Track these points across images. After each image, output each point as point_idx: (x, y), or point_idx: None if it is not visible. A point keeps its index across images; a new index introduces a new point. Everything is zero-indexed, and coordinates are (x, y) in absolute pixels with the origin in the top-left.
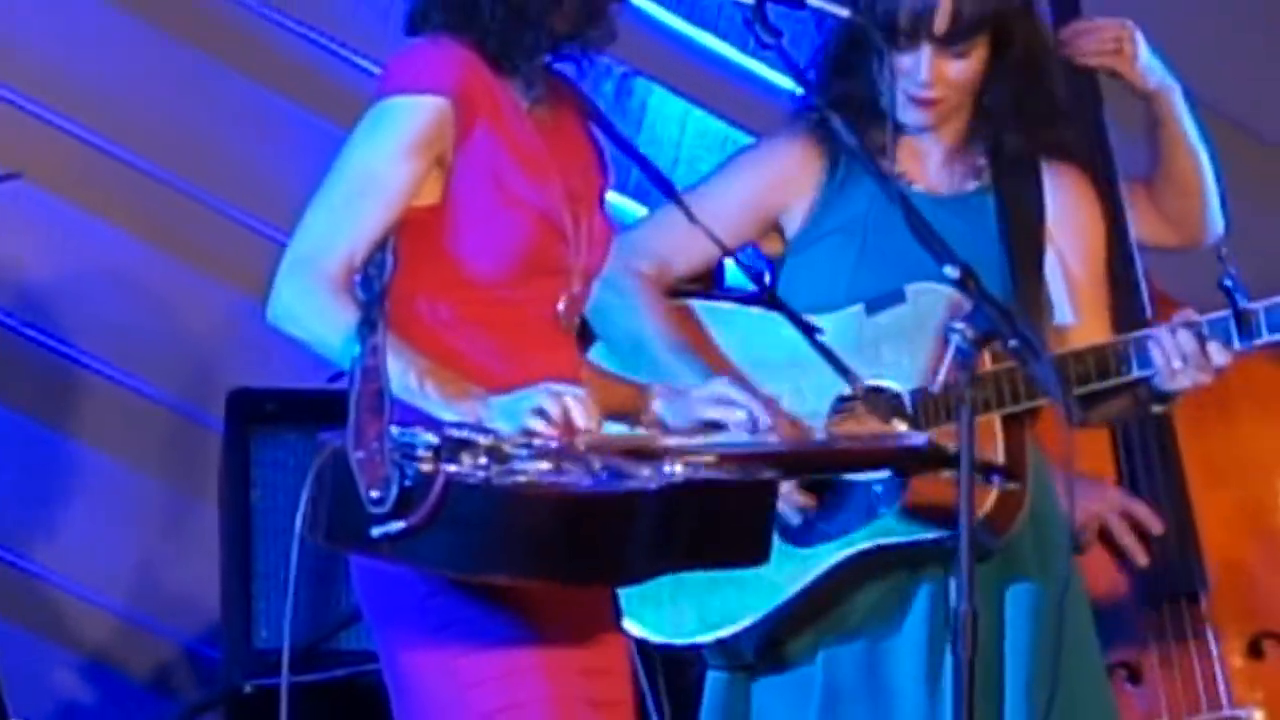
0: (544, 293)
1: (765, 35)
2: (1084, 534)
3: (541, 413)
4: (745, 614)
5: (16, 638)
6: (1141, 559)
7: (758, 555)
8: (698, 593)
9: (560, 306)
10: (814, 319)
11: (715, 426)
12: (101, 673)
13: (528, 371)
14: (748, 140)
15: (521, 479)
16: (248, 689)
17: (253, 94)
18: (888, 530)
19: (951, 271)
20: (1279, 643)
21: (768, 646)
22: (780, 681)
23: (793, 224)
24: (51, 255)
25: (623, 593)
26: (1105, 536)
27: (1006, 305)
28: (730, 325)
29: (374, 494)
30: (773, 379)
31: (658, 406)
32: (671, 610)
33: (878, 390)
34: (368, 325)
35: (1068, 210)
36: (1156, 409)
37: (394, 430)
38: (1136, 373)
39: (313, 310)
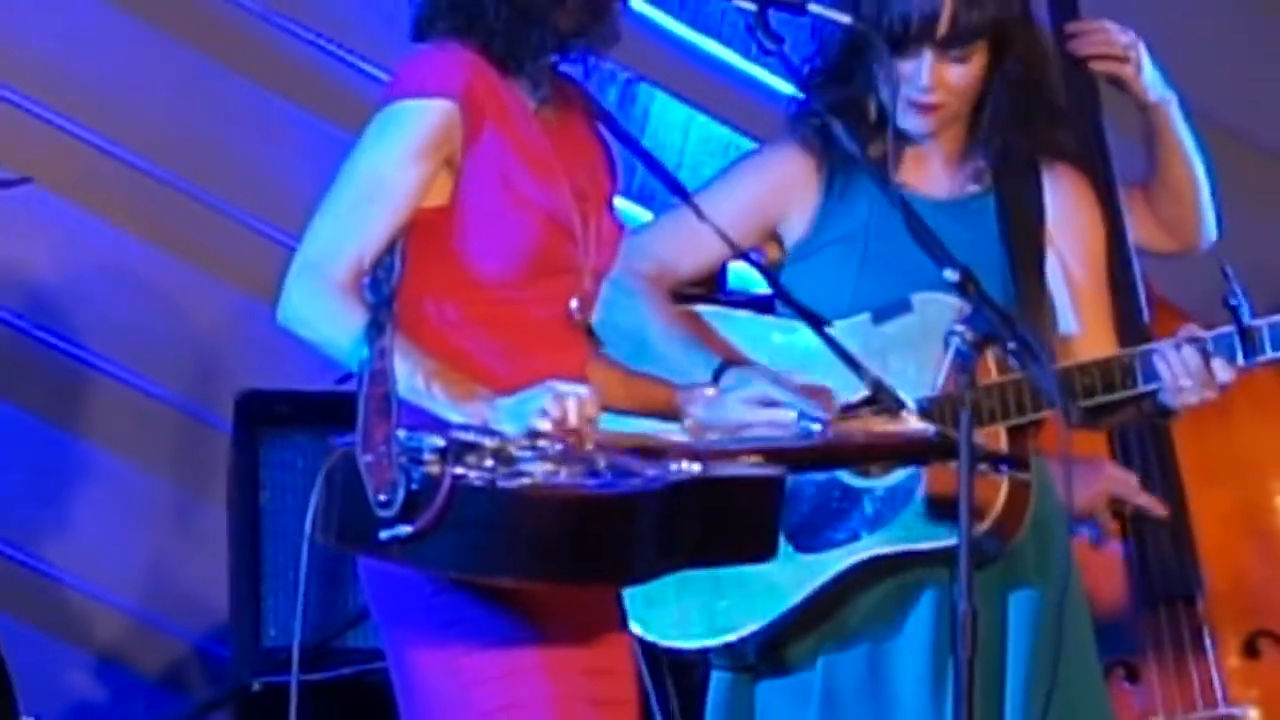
0: (553, 292)
1: (768, 41)
2: (1099, 516)
3: (547, 414)
4: (751, 619)
5: (27, 636)
6: (1160, 509)
7: (764, 552)
8: (704, 597)
9: (573, 305)
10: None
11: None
12: (112, 671)
13: (533, 373)
14: (750, 144)
15: (526, 481)
16: (256, 687)
17: (258, 97)
18: (899, 535)
19: (951, 275)
20: (1274, 642)
21: (769, 649)
22: (781, 684)
23: (792, 232)
24: (61, 258)
25: (629, 596)
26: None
27: (1006, 309)
28: (733, 330)
29: (381, 497)
30: None
31: (699, 411)
32: (678, 614)
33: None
34: (376, 327)
35: (1068, 212)
36: (1159, 421)
37: (401, 434)
38: (1141, 387)
39: (321, 313)
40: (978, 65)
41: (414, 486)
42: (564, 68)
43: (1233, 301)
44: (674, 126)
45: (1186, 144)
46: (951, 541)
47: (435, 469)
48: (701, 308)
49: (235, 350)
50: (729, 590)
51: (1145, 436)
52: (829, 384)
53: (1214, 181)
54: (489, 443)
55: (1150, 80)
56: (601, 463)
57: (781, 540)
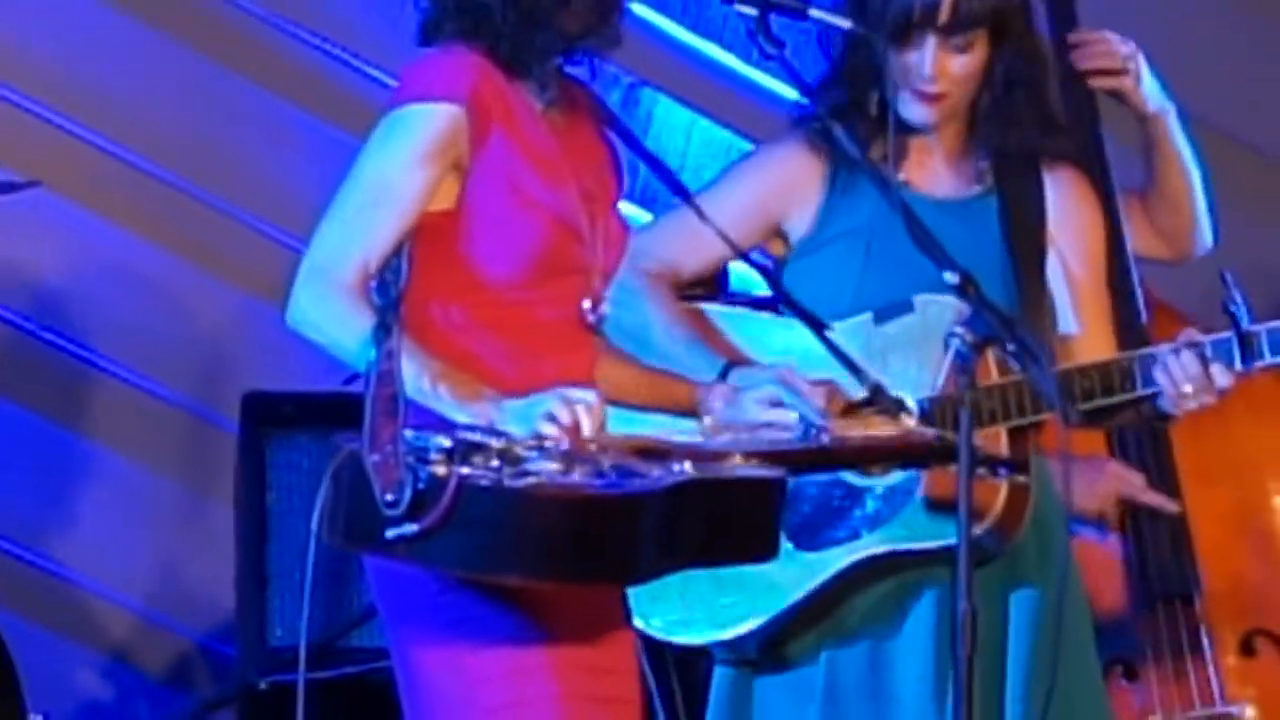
0: (561, 294)
1: (769, 46)
2: (1107, 516)
3: (553, 418)
4: (753, 616)
5: (35, 635)
6: (1172, 507)
7: (766, 552)
8: (707, 593)
9: (586, 305)
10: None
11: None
12: (118, 669)
13: (538, 376)
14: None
15: (532, 481)
16: (262, 686)
17: (263, 101)
18: (899, 534)
19: (951, 277)
20: (1271, 640)
21: (771, 645)
22: (782, 680)
23: (796, 229)
24: (68, 260)
25: (634, 593)
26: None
27: (1005, 311)
28: (736, 328)
29: (388, 497)
30: None
31: (720, 408)
32: (682, 611)
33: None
34: (383, 330)
35: (1068, 213)
36: (1158, 424)
37: (408, 434)
38: (1140, 391)
39: (329, 315)
40: (979, 56)
41: (421, 486)
42: (570, 70)
43: (1231, 307)
44: (676, 129)
45: (1184, 154)
46: (952, 540)
47: (442, 469)
48: (705, 306)
49: (241, 351)
50: (731, 587)
51: (1144, 438)
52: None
53: (1210, 186)
54: (495, 443)
55: (1149, 91)
56: (606, 463)
57: (783, 538)
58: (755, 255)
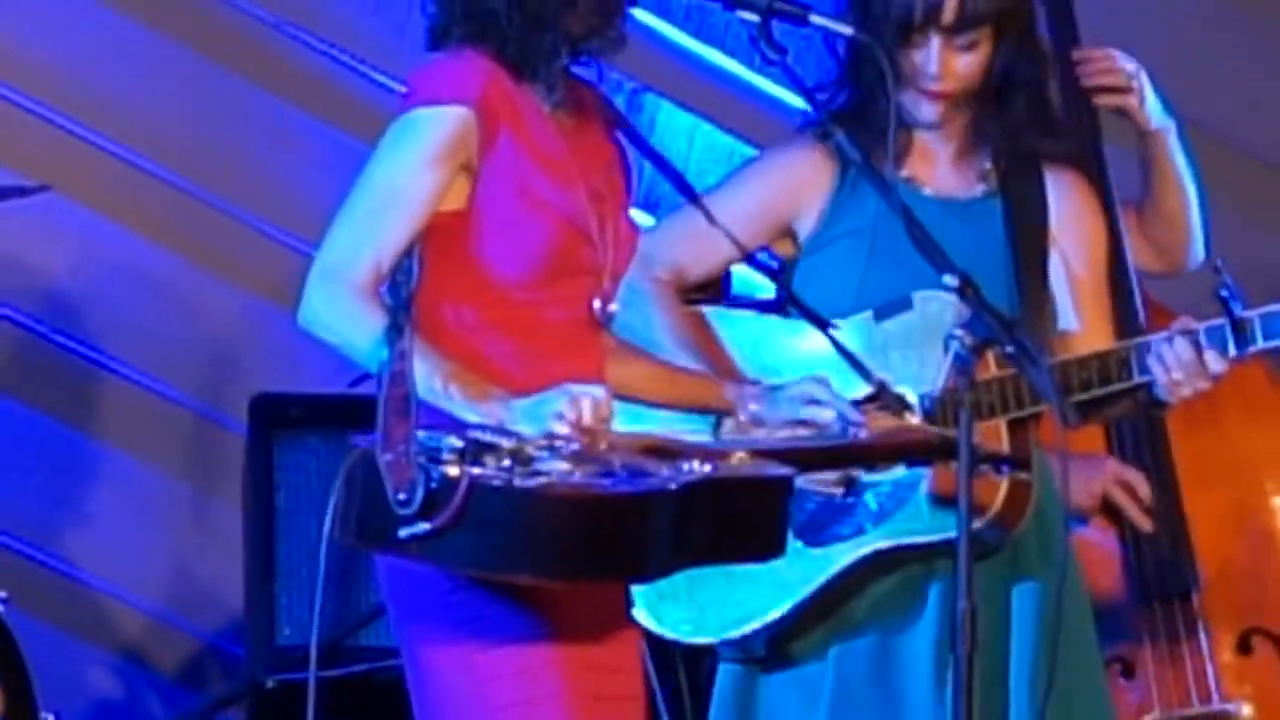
0: (571, 294)
1: (770, 52)
2: (1086, 507)
3: (563, 417)
4: (762, 612)
5: (46, 635)
6: (1147, 525)
7: (773, 550)
8: (715, 592)
9: (596, 305)
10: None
11: (805, 424)
12: (128, 668)
13: (548, 376)
14: (754, 152)
15: (543, 480)
16: (270, 684)
17: (271, 106)
18: (904, 529)
19: (950, 280)
20: (1268, 639)
21: (778, 643)
22: (790, 677)
23: (804, 228)
24: (78, 263)
25: (643, 592)
26: (1106, 509)
27: (1004, 313)
28: (742, 332)
29: (401, 496)
30: None
31: (754, 406)
32: (690, 608)
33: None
34: (395, 330)
35: (1070, 215)
36: (1155, 412)
37: (420, 434)
38: (1137, 378)
39: (341, 316)
40: (983, 54)
41: (433, 485)
42: (580, 72)
43: (1224, 293)
44: (679, 134)
45: (1182, 171)
46: (955, 534)
47: (454, 469)
48: (710, 309)
49: (249, 353)
50: (740, 585)
51: (1141, 438)
52: (838, 377)
53: (1206, 200)
54: (506, 443)
55: (1152, 109)
56: (616, 463)
57: (790, 535)
58: (761, 257)
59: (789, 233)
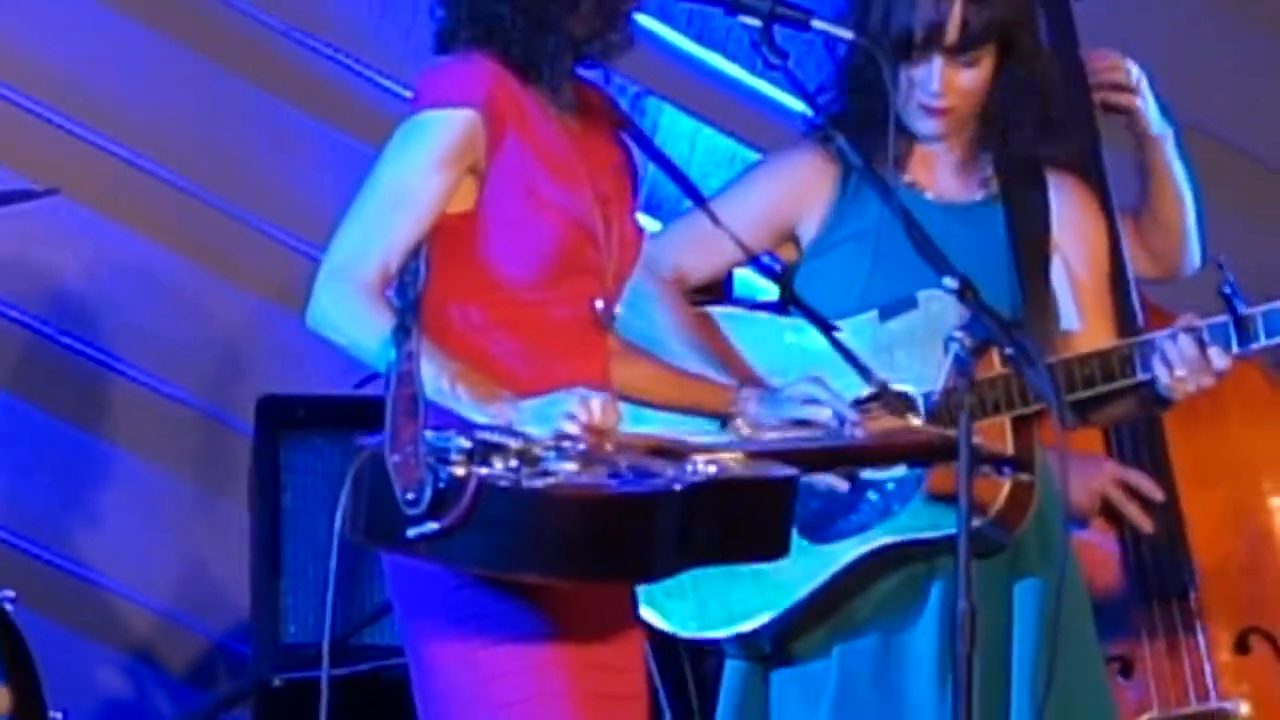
0: (577, 293)
1: (772, 56)
2: (1085, 507)
3: (573, 417)
4: (767, 608)
5: (54, 634)
6: (1147, 526)
7: (778, 550)
8: (720, 588)
9: (599, 305)
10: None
11: (805, 424)
12: (136, 667)
13: (553, 376)
14: (755, 156)
15: (550, 481)
16: (276, 683)
17: (279, 110)
18: (907, 525)
19: (950, 282)
20: (1265, 638)
21: (783, 640)
22: (794, 674)
23: (807, 233)
24: (87, 266)
25: (649, 589)
26: (1105, 510)
27: (1003, 314)
28: (745, 332)
29: (409, 496)
30: None
31: (753, 408)
32: (695, 604)
33: (894, 390)
34: (402, 331)
35: (1071, 218)
36: (1157, 410)
37: (428, 434)
38: (1140, 376)
39: (349, 316)
40: (986, 68)
41: (441, 485)
42: (587, 76)
43: (1227, 290)
44: (681, 138)
45: (1179, 177)
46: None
47: (462, 469)
48: (715, 309)
49: (256, 355)
50: (745, 582)
51: (1140, 438)
52: (839, 385)
53: (1199, 199)
54: (514, 444)
55: (1152, 114)
56: (623, 464)
57: (794, 532)
58: (763, 259)
59: (791, 237)
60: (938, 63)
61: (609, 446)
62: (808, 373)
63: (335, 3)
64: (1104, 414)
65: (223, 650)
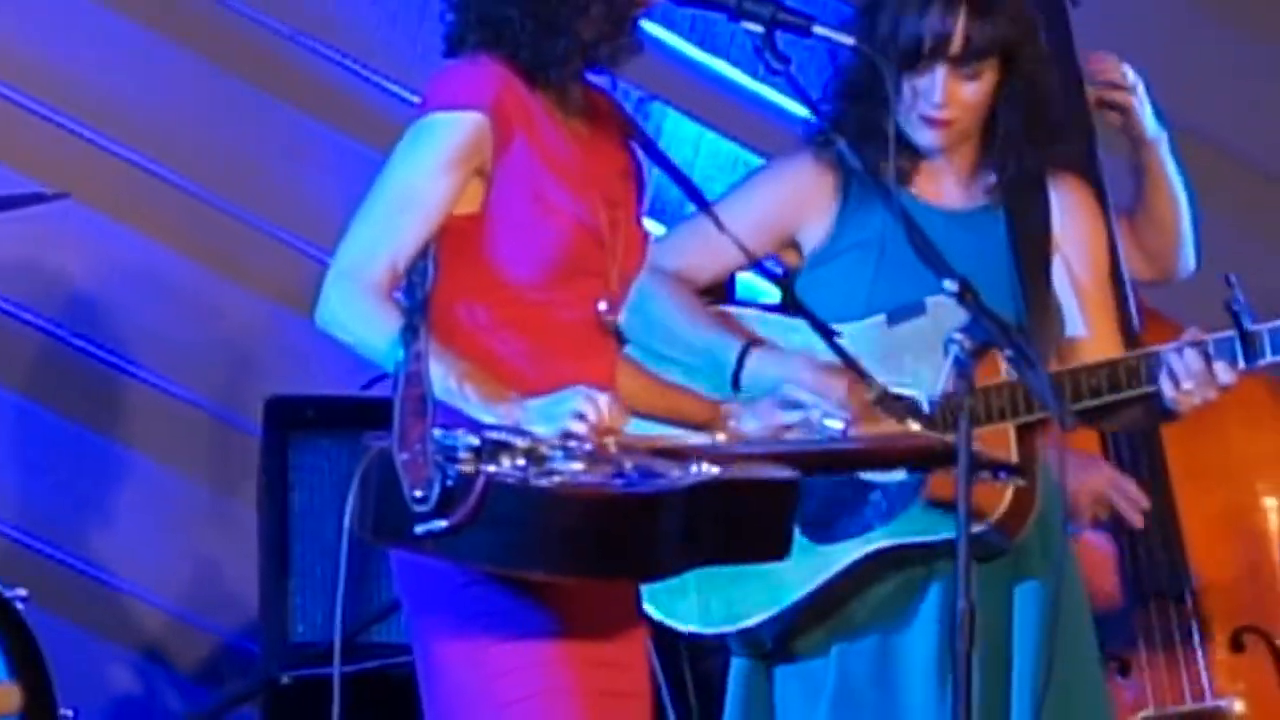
0: (582, 295)
1: (774, 62)
2: (1097, 509)
3: (581, 416)
4: (767, 607)
5: (65, 632)
6: (1138, 521)
7: (779, 551)
8: (723, 585)
9: (602, 307)
10: (836, 328)
11: (790, 428)
12: (147, 665)
13: (559, 376)
14: (758, 160)
15: (557, 480)
16: (285, 680)
17: (288, 117)
18: (907, 528)
19: (950, 285)
20: (1260, 637)
21: (782, 638)
22: (794, 672)
23: (810, 240)
24: (98, 269)
25: (652, 586)
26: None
27: (1004, 317)
28: (756, 328)
29: (417, 494)
30: None
31: (735, 421)
32: (698, 602)
33: (894, 395)
34: (411, 330)
35: (1071, 219)
36: (1163, 420)
37: (436, 432)
38: (1146, 388)
39: (358, 316)
40: (989, 81)
41: (449, 483)
42: (593, 80)
43: (1235, 307)
44: (685, 142)
45: (1174, 180)
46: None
47: (470, 467)
48: (725, 308)
49: (264, 357)
50: (747, 580)
51: (1136, 441)
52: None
53: (1193, 201)
54: (521, 443)
55: (1148, 119)
56: (628, 464)
57: (796, 532)
58: (766, 263)
59: (793, 242)
60: (941, 73)
61: (614, 446)
62: (793, 364)
63: (343, 8)
64: (1109, 422)
65: (232, 649)
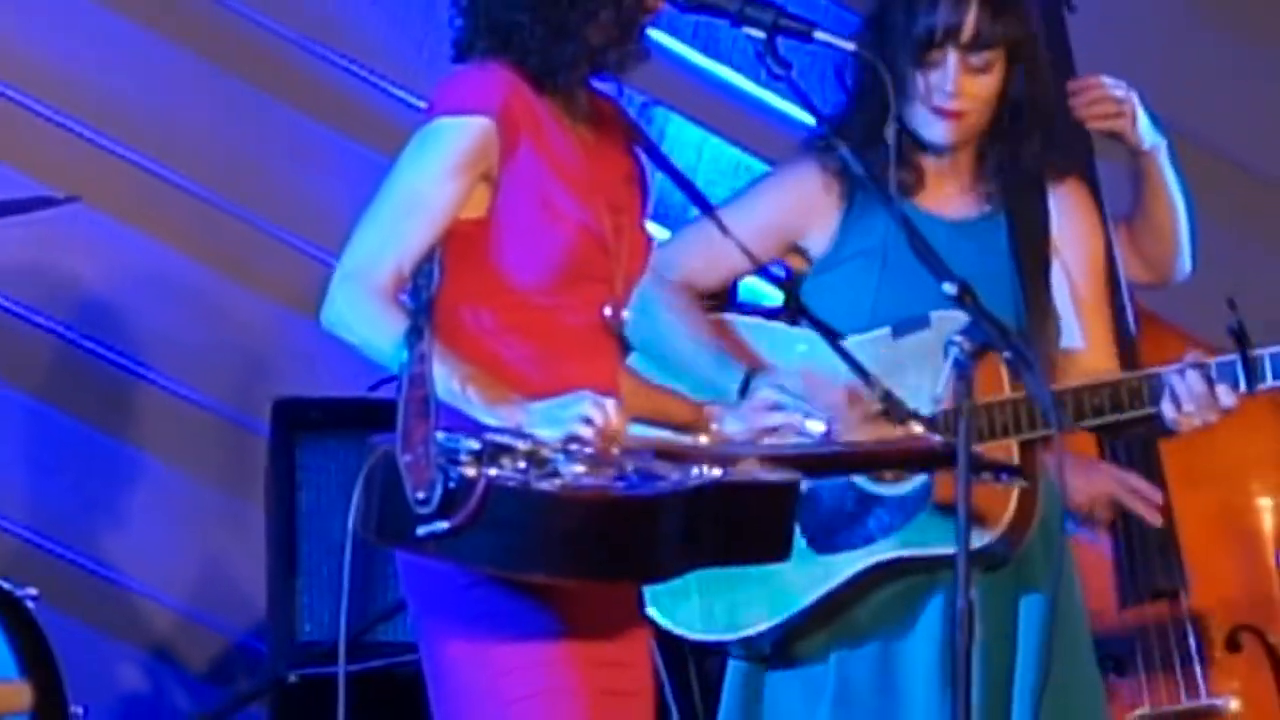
0: (586, 300)
1: (776, 67)
2: (1098, 511)
3: (588, 421)
4: (769, 615)
5: (76, 631)
6: (1157, 519)
7: (780, 553)
8: (725, 593)
9: (608, 311)
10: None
11: (774, 431)
12: (158, 664)
13: (564, 379)
14: (760, 165)
15: (558, 483)
16: (292, 679)
17: (295, 121)
18: (912, 539)
19: (950, 288)
20: (1254, 636)
21: (782, 642)
22: (793, 676)
23: (815, 247)
24: (108, 272)
25: (655, 591)
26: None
27: (1002, 320)
28: (758, 337)
29: (420, 496)
30: None
31: (719, 424)
32: (702, 609)
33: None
34: (415, 333)
35: (1070, 223)
36: (1163, 436)
37: (439, 435)
38: (1147, 409)
39: (363, 318)
40: (997, 77)
41: (451, 485)
42: (600, 86)
43: (1235, 329)
44: (688, 147)
45: (1172, 186)
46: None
47: (471, 470)
48: (728, 316)
49: (273, 359)
50: (749, 587)
51: (1133, 444)
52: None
53: (1191, 206)
54: (522, 445)
55: (1144, 130)
56: (628, 466)
57: (800, 542)
58: (771, 267)
59: (798, 249)
60: (953, 61)
61: (616, 449)
62: (773, 380)
63: (350, 15)
64: (1109, 433)
65: (240, 648)
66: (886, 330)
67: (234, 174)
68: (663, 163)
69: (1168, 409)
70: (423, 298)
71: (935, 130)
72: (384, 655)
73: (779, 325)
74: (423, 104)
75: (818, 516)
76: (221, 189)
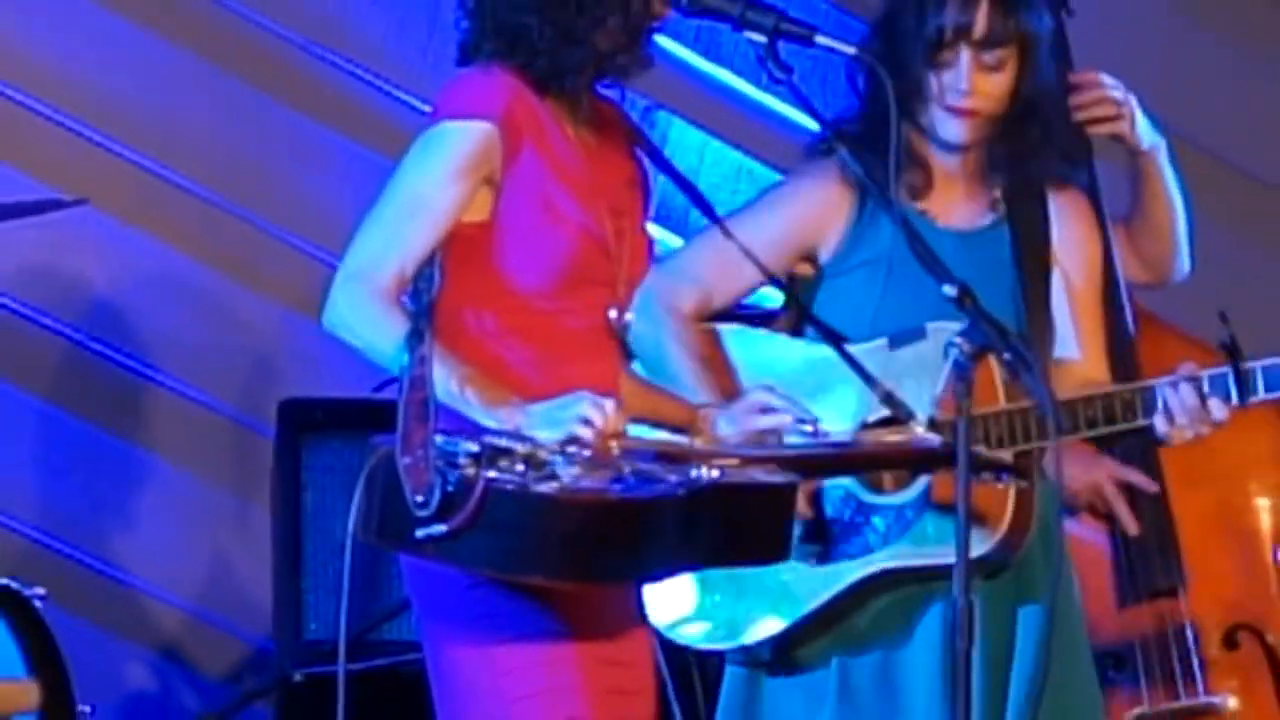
0: (589, 302)
1: (777, 71)
2: (1080, 498)
3: (588, 422)
4: (769, 624)
5: (84, 631)
6: (1133, 527)
7: (778, 554)
8: (725, 601)
9: (612, 314)
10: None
11: (770, 433)
12: (164, 664)
13: (565, 382)
14: (762, 169)
15: (556, 485)
16: (298, 677)
17: (300, 124)
18: (910, 550)
19: (950, 290)
20: (1252, 634)
21: (782, 649)
22: (794, 682)
23: (826, 253)
24: (116, 275)
25: (656, 597)
26: (1092, 508)
27: (1001, 322)
28: (754, 350)
29: (418, 498)
30: None
31: (715, 425)
32: (701, 617)
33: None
34: (416, 335)
35: (1070, 232)
36: (1158, 446)
37: (438, 438)
38: (1140, 421)
39: (365, 319)
40: (1008, 76)
41: (449, 488)
42: (603, 91)
43: (1227, 343)
44: (690, 150)
45: (1171, 187)
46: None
47: (470, 472)
48: (730, 327)
49: (278, 361)
50: (749, 596)
51: (1131, 445)
52: (847, 397)
53: (1189, 207)
54: (520, 448)
55: (1143, 131)
56: (626, 468)
57: (798, 552)
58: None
59: (809, 257)
60: (966, 58)
61: (615, 451)
62: (762, 385)
63: (354, 18)
64: (1100, 442)
65: (247, 647)
66: (883, 341)
67: (241, 177)
68: (664, 166)
69: (1160, 421)
70: (423, 300)
71: (950, 129)
72: (388, 654)
73: (774, 334)
74: (425, 106)
75: (817, 527)
76: (227, 192)
